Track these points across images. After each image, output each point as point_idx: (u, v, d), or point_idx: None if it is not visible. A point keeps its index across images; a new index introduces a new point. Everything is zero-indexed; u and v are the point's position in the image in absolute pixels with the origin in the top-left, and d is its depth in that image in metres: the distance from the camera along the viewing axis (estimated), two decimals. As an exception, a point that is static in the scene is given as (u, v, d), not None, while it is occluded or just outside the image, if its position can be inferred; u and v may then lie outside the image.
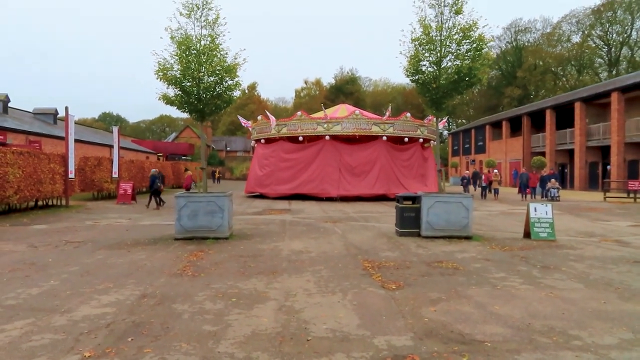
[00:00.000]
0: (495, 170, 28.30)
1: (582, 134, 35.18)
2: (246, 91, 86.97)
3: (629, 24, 57.46)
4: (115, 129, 25.56)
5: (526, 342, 4.42)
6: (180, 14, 11.17)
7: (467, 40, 11.13)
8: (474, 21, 11.05)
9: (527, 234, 11.11)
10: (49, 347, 4.25)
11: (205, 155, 12.74)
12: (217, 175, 50.45)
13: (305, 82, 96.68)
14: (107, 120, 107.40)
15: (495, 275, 7.22)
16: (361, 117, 24.93)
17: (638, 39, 58.00)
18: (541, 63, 65.10)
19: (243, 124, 30.00)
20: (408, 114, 26.19)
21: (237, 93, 12.14)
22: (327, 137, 24.40)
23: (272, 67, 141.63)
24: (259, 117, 28.27)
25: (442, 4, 11.14)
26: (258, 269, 7.58)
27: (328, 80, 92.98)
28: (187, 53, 11.13)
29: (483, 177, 28.36)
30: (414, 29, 11.43)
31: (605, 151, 34.04)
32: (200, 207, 10.48)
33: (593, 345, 4.35)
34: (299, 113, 26.00)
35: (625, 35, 58.62)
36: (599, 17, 59.06)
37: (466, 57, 11.15)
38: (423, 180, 26.25)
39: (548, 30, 67.41)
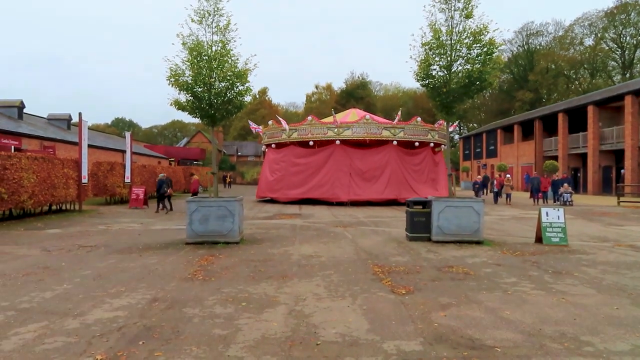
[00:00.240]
0: (508, 175, 28.07)
1: (595, 138, 34.76)
2: (257, 96, 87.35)
3: (643, 26, 56.94)
4: (127, 134, 25.91)
5: (537, 348, 4.39)
6: (192, 20, 11.33)
7: (478, 45, 11.09)
8: (485, 25, 11.03)
9: (538, 239, 11.01)
10: (62, 350, 4.32)
11: (216, 160, 12.82)
12: (228, 180, 50.80)
13: (316, 87, 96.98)
14: (120, 126, 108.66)
15: (507, 280, 7.17)
16: (371, 122, 24.89)
17: (652, 42, 57.45)
18: (553, 66, 64.61)
19: (253, 129, 30.15)
20: (419, 119, 26.09)
21: (248, 98, 12.21)
22: (338, 142, 24.39)
23: (283, 72, 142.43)
24: (270, 122, 28.38)
25: (452, 8, 11.13)
26: (268, 274, 7.61)
27: (339, 85, 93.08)
28: (199, 59, 11.26)
29: (495, 181, 28.15)
30: (424, 33, 11.45)
31: (618, 155, 33.59)
32: (211, 212, 10.55)
33: (605, 352, 4.31)
34: (309, 118, 26.05)
35: (639, 37, 58.00)
36: (612, 20, 58.53)
37: (477, 62, 11.12)
38: (434, 184, 26.12)
39: (560, 34, 66.99)
